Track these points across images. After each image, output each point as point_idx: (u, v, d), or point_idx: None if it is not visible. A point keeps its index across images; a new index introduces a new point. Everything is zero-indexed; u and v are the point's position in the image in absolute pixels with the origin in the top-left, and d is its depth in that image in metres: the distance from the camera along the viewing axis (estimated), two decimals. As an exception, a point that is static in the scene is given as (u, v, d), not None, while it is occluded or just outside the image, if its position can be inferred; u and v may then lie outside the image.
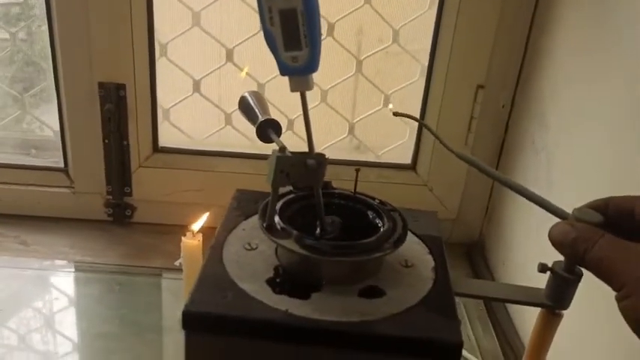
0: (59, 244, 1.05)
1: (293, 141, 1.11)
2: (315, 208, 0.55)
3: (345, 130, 1.14)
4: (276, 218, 0.54)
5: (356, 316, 0.49)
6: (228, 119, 1.11)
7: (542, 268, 0.53)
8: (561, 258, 0.49)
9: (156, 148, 1.09)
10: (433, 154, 1.10)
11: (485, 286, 0.59)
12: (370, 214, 0.58)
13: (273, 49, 0.48)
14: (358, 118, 1.13)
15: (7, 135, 1.15)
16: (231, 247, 0.57)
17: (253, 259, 0.55)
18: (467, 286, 0.56)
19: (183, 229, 0.81)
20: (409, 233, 0.56)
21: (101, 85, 1.00)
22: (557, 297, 0.52)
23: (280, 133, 0.60)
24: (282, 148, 0.51)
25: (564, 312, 0.53)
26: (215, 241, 0.57)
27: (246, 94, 0.64)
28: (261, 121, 0.60)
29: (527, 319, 0.88)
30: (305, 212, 0.57)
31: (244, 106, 0.63)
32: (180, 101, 1.09)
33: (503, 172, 1.08)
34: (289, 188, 0.58)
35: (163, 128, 1.10)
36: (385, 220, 0.56)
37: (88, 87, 1.01)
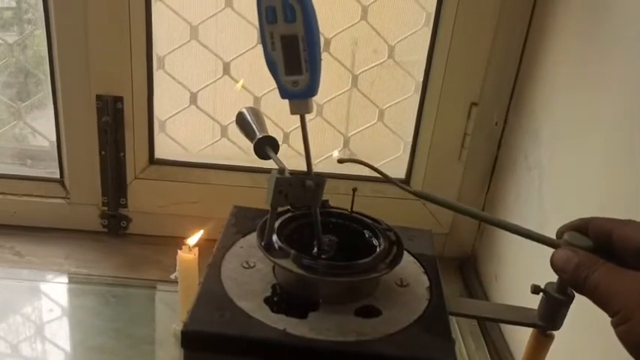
0: (54, 255, 1.05)
1: (289, 154, 1.12)
2: (313, 226, 0.56)
3: (340, 143, 1.15)
4: (274, 237, 0.55)
5: (352, 336, 0.49)
6: (224, 131, 1.12)
7: (535, 289, 0.54)
8: (553, 275, 0.50)
9: (152, 160, 1.10)
10: (427, 169, 1.11)
11: (479, 306, 0.60)
12: (366, 233, 0.59)
13: (274, 73, 0.49)
14: (353, 132, 1.14)
15: (3, 145, 1.15)
16: (229, 264, 0.57)
17: (251, 277, 0.56)
18: (461, 306, 0.57)
19: (178, 241, 0.82)
20: (404, 252, 0.57)
21: (99, 97, 1.01)
22: (549, 317, 0.53)
23: (277, 150, 0.61)
24: (282, 170, 0.52)
25: (556, 332, 0.54)
26: (213, 258, 0.58)
27: (244, 110, 0.65)
28: (259, 138, 0.60)
29: (519, 337, 0.90)
30: (302, 230, 0.58)
31: (242, 122, 0.64)
32: (176, 113, 1.10)
33: (496, 187, 1.09)
34: (287, 207, 0.58)
35: (159, 140, 1.11)
36: (381, 239, 0.57)
37: (85, 99, 1.01)
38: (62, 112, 1.04)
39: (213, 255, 0.59)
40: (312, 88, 0.49)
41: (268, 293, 0.54)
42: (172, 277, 0.87)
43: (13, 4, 1.09)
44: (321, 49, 0.49)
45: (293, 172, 0.53)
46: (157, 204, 1.10)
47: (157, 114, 1.09)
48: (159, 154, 1.11)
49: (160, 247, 1.08)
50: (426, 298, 0.56)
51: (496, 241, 1.06)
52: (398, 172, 1.16)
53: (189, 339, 0.49)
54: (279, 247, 0.54)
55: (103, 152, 1.04)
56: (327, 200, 0.62)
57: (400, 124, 1.14)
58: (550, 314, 0.53)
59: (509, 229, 0.50)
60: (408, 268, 0.60)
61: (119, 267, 1.04)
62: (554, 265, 0.45)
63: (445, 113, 1.06)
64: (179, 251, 0.83)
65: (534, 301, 0.55)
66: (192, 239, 0.82)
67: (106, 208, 1.09)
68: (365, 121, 1.14)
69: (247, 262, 0.58)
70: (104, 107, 1.01)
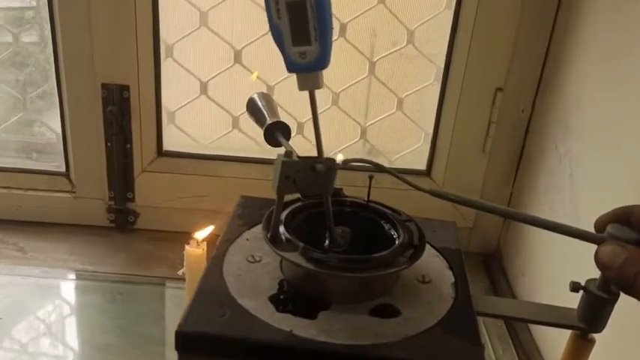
0: (59, 250, 1.01)
1: (303, 145, 1.07)
2: (325, 217, 0.50)
3: (357, 134, 1.09)
4: (281, 228, 0.49)
5: (367, 339, 0.44)
6: (235, 122, 1.07)
7: (574, 287, 0.48)
8: (587, 272, 0.44)
9: (160, 152, 1.05)
10: (449, 160, 1.05)
11: (510, 305, 0.54)
12: (384, 224, 0.54)
13: (279, 44, 0.44)
14: (371, 122, 1.08)
15: (8, 138, 1.12)
16: (232, 258, 0.52)
17: (256, 272, 0.51)
18: (490, 305, 0.51)
19: (187, 236, 0.77)
20: (427, 245, 0.52)
21: (104, 86, 0.97)
22: (590, 318, 0.48)
23: (289, 137, 0.56)
24: (289, 153, 0.46)
25: (597, 336, 0.49)
26: (216, 252, 0.53)
27: (255, 96, 0.60)
28: (269, 124, 0.55)
29: (550, 339, 0.83)
30: (313, 222, 0.52)
31: (252, 108, 0.59)
32: (186, 104, 1.05)
33: (523, 178, 1.03)
34: (297, 195, 0.53)
35: (168, 131, 1.06)
36: (400, 231, 0.51)
37: (90, 88, 0.97)
38: (67, 102, 1.00)
39: (215, 248, 0.54)
40: (322, 60, 0.43)
41: (274, 290, 0.49)
42: (180, 273, 0.82)
43: (34, 3, 1.05)
44: (332, 17, 0.43)
45: (303, 158, 0.48)
46: (166, 198, 1.05)
47: (166, 104, 1.05)
48: (167, 145, 1.06)
49: (168, 243, 1.04)
50: (451, 296, 0.50)
51: (523, 235, 1.00)
52: (418, 163, 1.10)
53: (184, 341, 0.44)
54: (287, 240, 0.48)
55: (109, 143, 1.00)
56: (341, 189, 0.56)
57: (420, 113, 1.08)
58: (591, 314, 0.47)
59: (544, 225, 0.45)
60: (430, 263, 0.54)
61: (126, 263, 1.00)
62: (600, 261, 0.40)
63: (468, 100, 1.00)
64: (186, 246, 0.78)
65: (566, 301, 0.50)
66: (200, 233, 0.77)
67: (112, 203, 1.05)
68: (383, 111, 1.08)
69: (253, 256, 0.52)
70: (110, 96, 0.97)
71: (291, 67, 0.44)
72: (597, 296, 0.46)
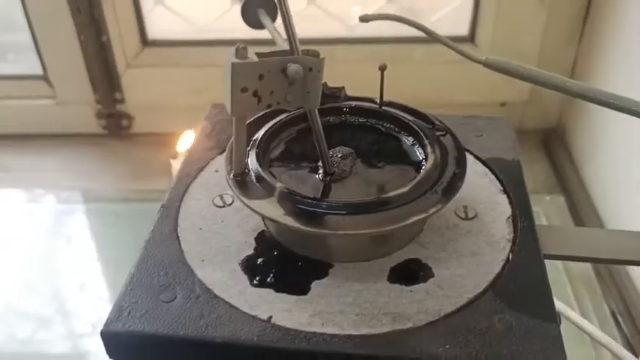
0: (48, 167, 0.89)
1: (316, 18, 0.87)
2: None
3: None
4: (251, 160, 0.34)
5: (384, 324, 0.29)
6: (234, -5, 0.88)
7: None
8: None
9: (145, 42, 0.88)
10: (497, 20, 0.84)
11: (594, 240, 0.38)
12: (404, 138, 0.37)
13: None
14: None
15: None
16: (193, 203, 0.37)
17: (225, 223, 0.36)
18: (566, 242, 0.36)
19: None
20: (471, 158, 0.36)
21: (61, -36, 0.78)
22: None
23: (275, 16, 0.38)
24: (242, 49, 0.29)
25: None
26: (169, 193, 0.38)
27: None
28: None
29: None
30: (309, 139, 0.36)
31: None
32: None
33: (591, 38, 0.82)
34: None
35: (152, 15, 0.88)
36: (428, 147, 0.35)
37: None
38: (23, -11, 0.82)
39: (170, 187, 0.38)
40: None
41: (250, 250, 0.34)
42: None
43: None
44: None
45: (268, 54, 0.31)
46: (160, 95, 0.89)
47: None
48: (153, 33, 0.88)
49: (169, 148, 0.90)
50: (508, 238, 0.34)
51: (593, 107, 0.81)
52: (459, 27, 0.90)
53: (115, 344, 0.30)
54: (258, 178, 0.33)
55: (82, 37, 0.83)
56: (342, 88, 0.39)
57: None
58: None
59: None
60: (475, 186, 0.38)
61: (123, 176, 0.86)
62: None
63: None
64: (172, 161, 0.64)
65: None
66: (182, 145, 0.62)
67: (100, 107, 0.90)
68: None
69: (222, 198, 0.37)
70: (70, -23, 0.79)
71: None
72: None
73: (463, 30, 0.89)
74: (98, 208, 0.83)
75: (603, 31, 0.79)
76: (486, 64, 0.36)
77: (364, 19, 0.39)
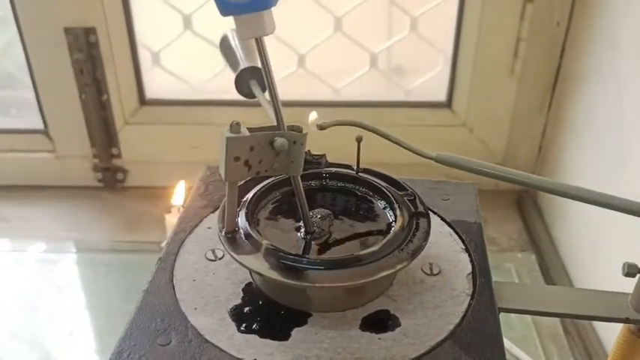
0: (44, 217, 0.92)
1: (304, 80, 0.93)
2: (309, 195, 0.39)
3: (366, 62, 0.95)
4: (241, 219, 0.38)
5: (355, 368, 0.33)
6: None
7: (629, 270, 0.37)
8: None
9: (142, 101, 0.93)
10: (472, 87, 0.91)
11: (545, 295, 0.42)
12: (377, 201, 0.42)
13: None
14: (381, 48, 0.94)
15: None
16: (188, 256, 0.41)
17: (216, 275, 0.40)
18: (519, 297, 0.40)
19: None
20: (437, 220, 0.40)
21: (68, 30, 0.84)
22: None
23: (265, 87, 0.43)
24: (235, 126, 0.34)
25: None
26: (166, 248, 0.42)
27: (228, 33, 0.47)
28: (242, 70, 0.43)
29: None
30: (291, 201, 0.41)
31: (225, 49, 0.46)
32: (171, 42, 0.92)
33: (559, 106, 0.89)
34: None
35: (153, 76, 0.94)
36: (398, 211, 0.39)
37: (52, 34, 0.85)
38: (31, 52, 0.88)
39: (167, 241, 0.43)
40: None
41: (238, 300, 0.38)
42: (163, 245, 0.72)
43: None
44: None
45: (258, 129, 0.36)
46: (154, 151, 0.94)
47: (149, 44, 0.92)
48: (151, 93, 0.94)
49: (162, 201, 0.94)
50: (467, 292, 0.38)
51: (562, 170, 0.87)
52: (437, 92, 0.96)
53: (116, 384, 0.34)
54: (247, 236, 0.37)
55: (83, 96, 0.88)
56: (323, 155, 0.44)
57: (437, 34, 0.93)
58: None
59: (585, 198, 0.33)
60: (440, 245, 0.42)
61: (117, 227, 0.90)
62: None
63: (492, 15, 0.85)
64: (166, 215, 0.68)
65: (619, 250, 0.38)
66: (177, 198, 0.66)
67: (97, 161, 0.94)
68: (395, 33, 0.93)
69: (213, 252, 0.41)
70: (75, 42, 0.84)
71: (223, 8, 0.32)
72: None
73: (441, 96, 0.95)
74: (90, 259, 0.86)
75: (570, 99, 0.86)
76: (437, 160, 0.38)
77: (322, 126, 0.39)
